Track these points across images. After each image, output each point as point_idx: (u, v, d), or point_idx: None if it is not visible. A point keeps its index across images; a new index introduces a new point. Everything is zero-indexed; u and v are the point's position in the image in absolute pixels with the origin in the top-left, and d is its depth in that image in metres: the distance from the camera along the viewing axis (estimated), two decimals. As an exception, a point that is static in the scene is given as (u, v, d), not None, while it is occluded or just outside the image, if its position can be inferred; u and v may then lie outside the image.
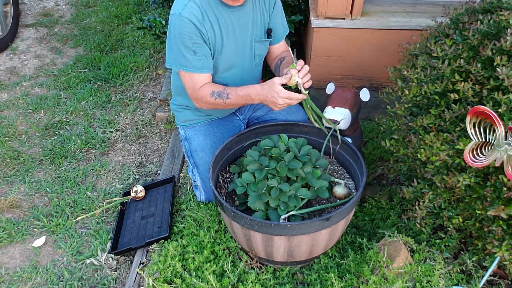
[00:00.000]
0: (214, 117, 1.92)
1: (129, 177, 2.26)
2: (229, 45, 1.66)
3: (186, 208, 1.93)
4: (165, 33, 2.43)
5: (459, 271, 1.54)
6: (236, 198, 1.62)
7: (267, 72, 2.30)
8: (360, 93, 1.79)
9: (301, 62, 1.53)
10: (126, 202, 2.04)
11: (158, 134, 2.57)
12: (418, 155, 1.40)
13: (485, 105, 1.22)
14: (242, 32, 1.68)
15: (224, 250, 1.71)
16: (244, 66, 1.77)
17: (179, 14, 1.53)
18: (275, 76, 1.58)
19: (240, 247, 1.70)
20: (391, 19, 2.20)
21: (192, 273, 1.57)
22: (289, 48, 1.76)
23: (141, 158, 2.39)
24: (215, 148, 1.71)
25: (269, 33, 1.78)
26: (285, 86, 1.53)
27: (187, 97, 1.86)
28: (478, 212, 1.31)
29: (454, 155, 1.33)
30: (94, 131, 2.56)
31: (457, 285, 1.50)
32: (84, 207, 2.07)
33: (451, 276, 1.52)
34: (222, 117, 1.94)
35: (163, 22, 2.41)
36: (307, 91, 1.55)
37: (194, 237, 1.74)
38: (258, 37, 1.74)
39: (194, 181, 1.97)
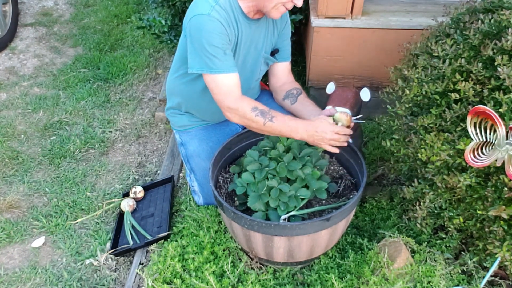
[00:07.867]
0: (210, 122, 1.88)
1: (129, 177, 2.25)
2: (238, 56, 1.63)
3: (186, 209, 1.92)
4: (164, 32, 2.42)
5: (460, 271, 1.53)
6: (236, 198, 1.61)
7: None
8: (360, 93, 1.78)
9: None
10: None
11: (157, 134, 2.57)
12: (419, 155, 1.40)
13: (486, 105, 1.21)
14: (255, 46, 1.66)
15: (224, 250, 1.70)
16: (246, 80, 1.73)
17: (208, 15, 1.44)
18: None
19: (240, 247, 1.69)
20: (391, 18, 2.19)
21: (191, 273, 1.56)
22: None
23: (141, 158, 2.39)
24: (212, 153, 1.67)
25: (274, 53, 1.76)
26: None
27: (181, 101, 1.81)
28: (479, 212, 1.31)
29: (455, 155, 1.32)
30: (94, 131, 2.55)
31: (458, 285, 1.50)
32: (83, 207, 2.06)
33: (452, 276, 1.52)
34: (217, 122, 1.90)
35: (163, 21, 2.40)
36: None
37: (194, 237, 1.73)
38: (267, 53, 1.72)
39: (192, 186, 1.95)
